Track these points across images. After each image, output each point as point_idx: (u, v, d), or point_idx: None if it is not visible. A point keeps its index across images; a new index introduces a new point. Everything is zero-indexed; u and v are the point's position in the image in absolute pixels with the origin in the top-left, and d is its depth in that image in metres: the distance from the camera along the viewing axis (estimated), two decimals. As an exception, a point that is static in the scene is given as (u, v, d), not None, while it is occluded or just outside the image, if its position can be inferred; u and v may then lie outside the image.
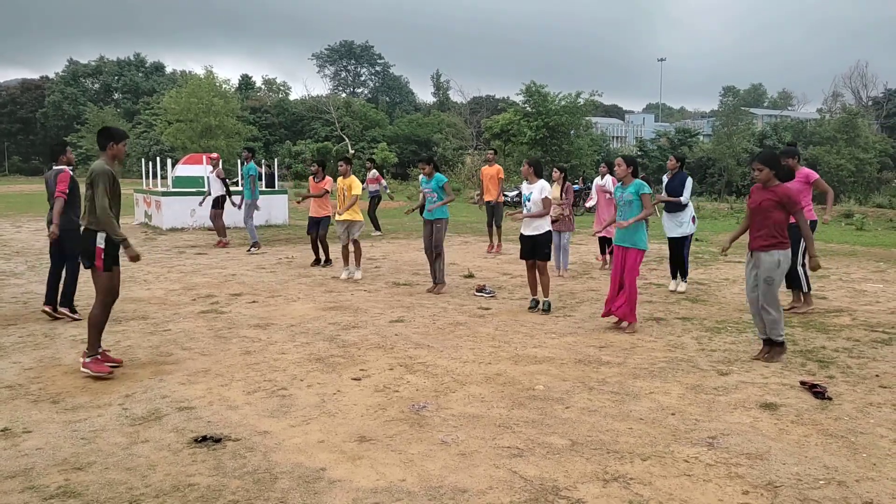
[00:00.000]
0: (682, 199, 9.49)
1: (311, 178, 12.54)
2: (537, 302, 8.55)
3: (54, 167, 7.66)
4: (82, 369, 5.71)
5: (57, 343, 6.80)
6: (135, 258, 5.90)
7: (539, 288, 8.51)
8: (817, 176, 8.30)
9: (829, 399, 5.21)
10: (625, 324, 7.48)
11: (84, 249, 5.80)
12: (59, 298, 7.78)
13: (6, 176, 72.27)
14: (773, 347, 6.25)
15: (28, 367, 5.97)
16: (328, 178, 12.26)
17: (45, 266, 11.49)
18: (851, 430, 4.61)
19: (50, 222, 7.55)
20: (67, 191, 7.39)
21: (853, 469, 4.03)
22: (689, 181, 9.74)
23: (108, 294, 5.85)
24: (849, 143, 46.19)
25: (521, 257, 8.62)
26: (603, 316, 7.68)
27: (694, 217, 9.83)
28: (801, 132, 52.93)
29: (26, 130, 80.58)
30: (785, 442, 4.44)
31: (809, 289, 8.40)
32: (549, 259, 8.45)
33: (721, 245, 6.85)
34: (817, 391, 5.32)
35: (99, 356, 5.81)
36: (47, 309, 7.76)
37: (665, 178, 9.93)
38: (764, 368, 6.03)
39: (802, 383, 5.55)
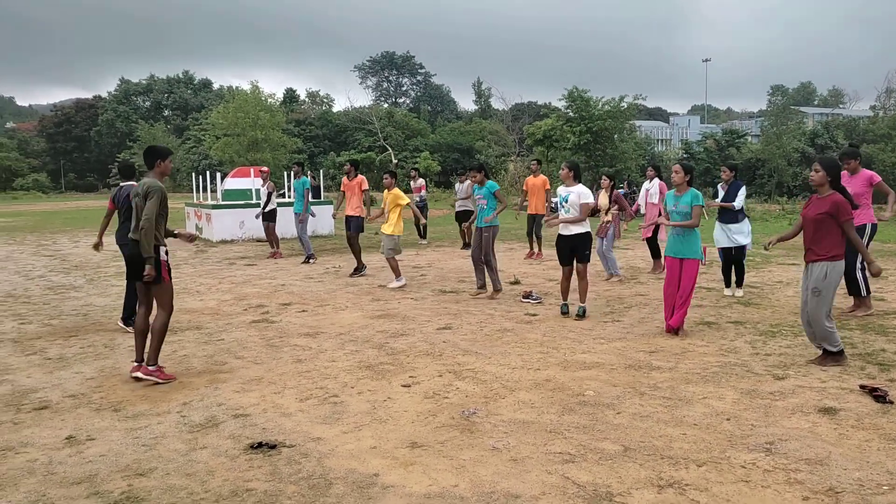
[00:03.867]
0: (734, 203, 9.34)
1: (344, 177, 12.70)
2: (568, 307, 8.47)
3: (122, 184, 7.98)
4: (143, 375, 5.93)
5: (116, 353, 7.01)
6: (190, 238, 6.40)
7: (576, 293, 8.41)
8: (880, 178, 8.21)
9: (891, 403, 5.05)
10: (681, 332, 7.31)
11: (138, 267, 5.99)
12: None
13: (63, 193, 74.83)
14: (829, 356, 6.08)
15: (90, 377, 6.18)
16: (361, 176, 12.41)
17: (103, 279, 11.89)
18: (916, 435, 4.47)
19: (120, 238, 7.86)
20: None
21: (919, 475, 3.91)
22: (742, 189, 9.56)
23: (171, 303, 6.10)
24: (904, 140, 44.70)
25: (561, 262, 8.54)
26: (667, 332, 7.40)
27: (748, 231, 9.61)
28: (853, 130, 51.46)
29: (81, 148, 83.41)
30: (845, 447, 4.32)
31: (868, 293, 8.17)
32: (588, 261, 8.35)
33: (769, 241, 6.71)
34: (878, 395, 5.16)
35: (162, 367, 6.03)
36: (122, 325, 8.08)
37: (721, 190, 9.72)
38: (822, 372, 5.89)
39: (862, 387, 5.39)
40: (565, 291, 8.54)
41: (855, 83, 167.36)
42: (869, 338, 7.03)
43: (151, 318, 6.11)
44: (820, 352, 6.19)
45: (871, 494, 3.68)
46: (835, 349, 6.04)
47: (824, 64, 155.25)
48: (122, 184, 8.06)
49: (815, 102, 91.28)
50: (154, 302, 6.12)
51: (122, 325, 8.06)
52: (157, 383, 5.88)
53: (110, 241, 8.45)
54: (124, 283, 8.16)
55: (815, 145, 46.86)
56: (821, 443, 4.39)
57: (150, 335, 6.03)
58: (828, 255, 5.94)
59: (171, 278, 6.12)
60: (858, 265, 7.87)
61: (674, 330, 7.30)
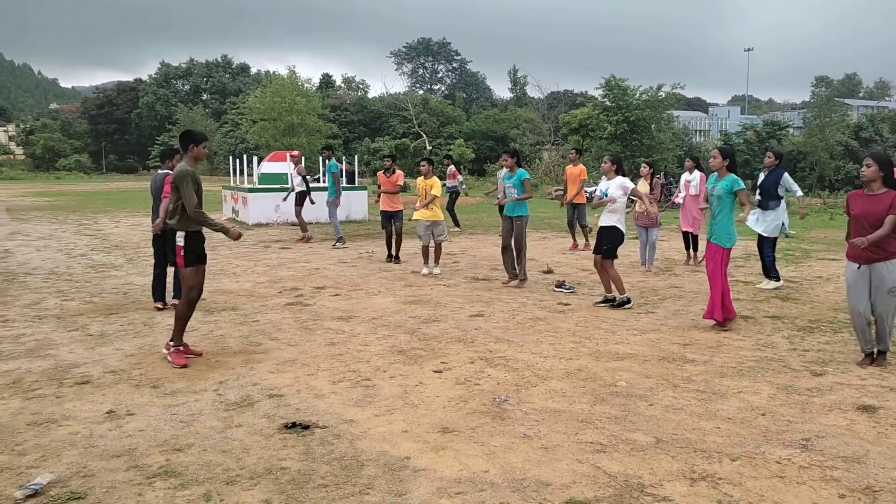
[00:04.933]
0: (799, 193, 9.36)
1: (380, 172, 12.67)
2: (607, 299, 8.42)
3: (160, 171, 8.17)
4: (165, 351, 6.11)
5: (156, 332, 7.16)
6: (237, 236, 6.25)
7: (612, 285, 8.37)
8: None
9: (934, 403, 4.94)
10: (726, 323, 7.18)
11: (169, 249, 6.13)
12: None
13: (104, 174, 76.33)
14: (879, 356, 5.92)
15: (130, 354, 6.32)
16: (399, 172, 12.41)
17: (143, 259, 12.12)
18: (958, 436, 4.37)
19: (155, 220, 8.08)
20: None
21: (961, 476, 3.82)
22: (787, 176, 9.38)
23: (191, 289, 6.10)
24: (954, 135, 43.35)
25: (593, 251, 8.55)
26: (704, 317, 7.31)
27: (784, 223, 9.44)
28: (900, 123, 49.99)
29: (122, 130, 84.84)
30: (884, 445, 4.24)
31: None
32: (609, 256, 8.24)
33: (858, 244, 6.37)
34: (920, 394, 5.05)
35: (181, 348, 6.11)
36: (158, 305, 8.24)
37: (762, 175, 9.60)
38: (861, 370, 5.77)
39: (903, 386, 5.28)
40: (605, 283, 8.48)
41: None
42: (911, 336, 6.86)
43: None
44: (864, 357, 6.00)
45: (911, 495, 3.61)
46: (889, 348, 5.89)
47: (871, 55, 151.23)
48: (159, 170, 8.23)
49: (861, 94, 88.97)
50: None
51: (170, 300, 8.21)
52: (169, 362, 5.96)
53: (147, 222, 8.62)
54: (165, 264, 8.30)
55: (859, 138, 45.64)
56: (858, 440, 4.32)
57: (174, 321, 6.13)
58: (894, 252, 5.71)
59: (198, 264, 6.09)
60: None
61: (718, 323, 7.15)
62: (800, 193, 9.43)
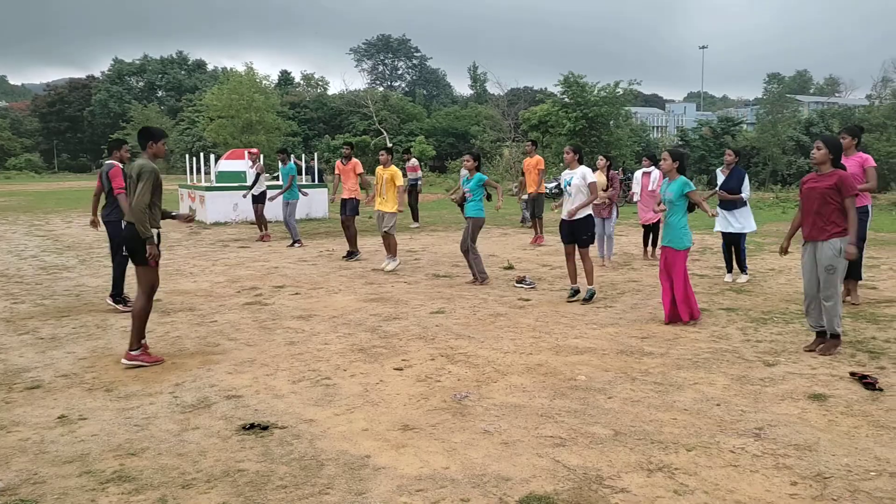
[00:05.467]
0: (743, 195, 9.38)
1: (338, 161, 12.67)
2: (576, 291, 8.50)
3: (106, 162, 8.00)
4: (127, 362, 5.85)
5: (109, 334, 7.00)
6: (154, 258, 5.88)
7: (581, 276, 8.46)
8: (874, 165, 7.96)
9: (881, 390, 5.09)
10: (692, 322, 7.24)
11: (132, 245, 5.95)
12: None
13: (56, 173, 74.34)
14: (827, 340, 6.08)
15: (82, 357, 6.17)
16: (356, 160, 12.43)
17: (96, 260, 11.85)
18: (904, 422, 4.51)
19: (106, 215, 7.97)
20: (125, 185, 7.63)
21: (906, 461, 3.94)
22: (747, 178, 9.57)
23: (151, 287, 6.01)
24: (900, 130, 44.69)
25: (562, 240, 8.61)
26: (667, 323, 7.30)
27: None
28: (849, 119, 51.38)
29: (74, 129, 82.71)
30: (834, 433, 4.36)
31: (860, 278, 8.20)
32: (589, 244, 8.39)
33: (780, 246, 6.63)
34: (868, 382, 5.20)
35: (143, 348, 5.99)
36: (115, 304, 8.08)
37: (720, 174, 9.75)
38: (812, 359, 5.92)
39: (852, 374, 5.43)
40: (572, 274, 8.56)
41: (851, 72, 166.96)
42: (860, 326, 7.07)
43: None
44: (815, 338, 6.17)
45: (859, 480, 3.72)
46: (837, 331, 6.04)
47: (821, 52, 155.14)
48: (106, 161, 8.08)
49: (811, 91, 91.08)
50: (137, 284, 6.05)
51: (110, 302, 8.07)
52: (142, 366, 5.82)
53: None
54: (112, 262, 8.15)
55: (809, 134, 46.78)
56: (810, 429, 4.43)
57: (132, 320, 5.95)
58: (839, 230, 5.88)
59: (156, 263, 5.96)
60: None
61: (684, 322, 7.23)
62: (745, 196, 9.50)
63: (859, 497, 3.53)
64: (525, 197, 17.84)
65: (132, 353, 5.89)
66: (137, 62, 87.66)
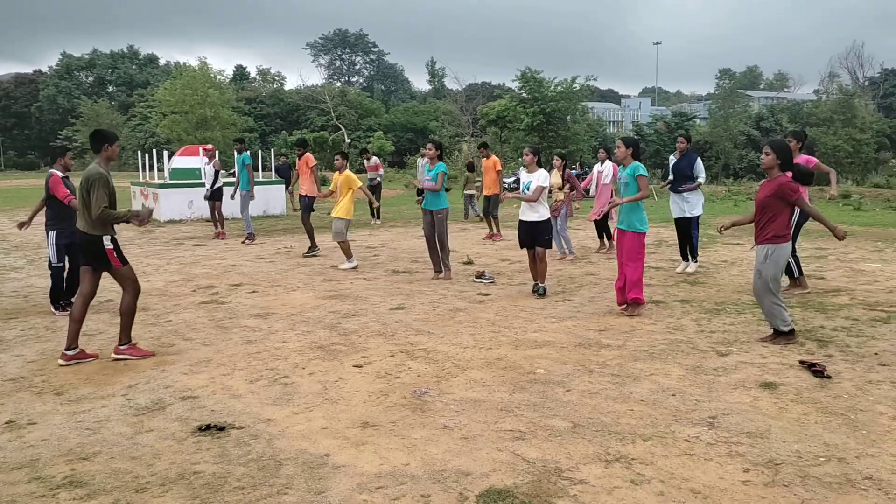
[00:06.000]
0: (699, 178, 9.61)
1: (296, 158, 12.73)
2: (538, 287, 8.56)
3: (50, 169, 7.86)
4: (116, 356, 5.95)
5: (59, 336, 6.80)
6: (148, 215, 6.11)
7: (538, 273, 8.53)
8: (816, 161, 8.21)
9: (829, 377, 5.24)
10: (630, 308, 7.40)
11: (94, 256, 5.89)
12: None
13: (2, 171, 72.05)
14: (779, 336, 6.23)
15: (31, 360, 6.00)
16: (308, 154, 12.53)
17: (44, 260, 11.50)
18: (851, 408, 4.64)
19: (46, 221, 7.79)
20: (69, 192, 7.54)
21: (853, 446, 4.06)
22: (700, 161, 9.79)
23: (134, 284, 6.04)
24: (846, 124, 46.06)
25: (521, 245, 8.64)
26: (619, 305, 7.50)
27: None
28: (797, 114, 52.81)
29: (21, 125, 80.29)
30: (785, 420, 4.47)
31: (801, 273, 8.43)
32: (549, 246, 8.45)
33: (722, 224, 6.82)
34: (816, 370, 5.35)
35: (135, 345, 6.12)
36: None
37: (672, 159, 9.99)
38: (763, 349, 6.06)
39: (801, 362, 5.58)
40: (534, 272, 8.61)
41: (799, 68, 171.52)
42: (808, 315, 7.26)
43: (90, 302, 5.99)
44: (771, 330, 6.33)
45: (809, 466, 3.82)
46: (786, 328, 6.18)
47: (771, 49, 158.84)
48: (50, 169, 7.88)
49: (761, 86, 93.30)
50: (121, 286, 6.07)
51: (52, 309, 7.85)
52: (130, 358, 5.91)
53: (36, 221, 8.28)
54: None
55: (760, 128, 47.99)
56: (761, 416, 4.53)
57: (120, 316, 6.03)
58: (769, 237, 6.06)
59: (125, 262, 6.00)
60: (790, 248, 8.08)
61: (627, 305, 7.38)
62: (701, 179, 9.76)
63: (809, 482, 3.63)
64: (469, 193, 18.04)
65: (121, 346, 5.99)
66: (87, 57, 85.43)
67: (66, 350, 5.90)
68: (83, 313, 5.96)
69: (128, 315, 6.01)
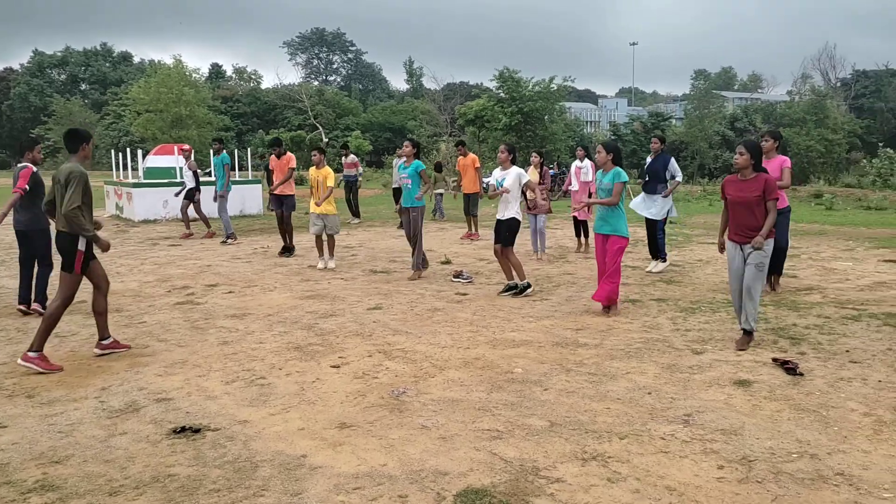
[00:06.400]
0: (677, 178, 9.71)
1: (272, 156, 12.58)
2: (509, 287, 8.58)
3: (19, 163, 7.62)
4: (23, 363, 5.61)
5: (30, 338, 6.66)
6: (106, 248, 5.95)
7: (513, 272, 8.54)
8: (790, 166, 8.22)
9: (801, 375, 5.31)
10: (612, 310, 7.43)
11: (64, 253, 5.77)
12: (32, 296, 7.75)
13: (-28, 170, 70.73)
14: (747, 336, 6.25)
15: (2, 362, 5.90)
16: (290, 154, 12.41)
17: (15, 261, 11.30)
18: (823, 405, 4.72)
19: (21, 223, 7.60)
20: (27, 187, 7.27)
21: (825, 442, 4.13)
22: (674, 161, 9.89)
23: (71, 294, 5.83)
24: (818, 125, 46.72)
25: (494, 244, 8.69)
26: (595, 299, 7.52)
27: (672, 208, 9.97)
28: (771, 114, 53.48)
29: (-9, 123, 78.89)
30: (758, 417, 4.52)
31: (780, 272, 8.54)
32: (509, 244, 8.45)
33: (718, 244, 6.72)
34: (789, 367, 5.42)
35: (113, 342, 6.14)
36: (22, 307, 7.70)
37: (649, 159, 10.09)
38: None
39: (774, 360, 5.65)
40: (506, 271, 8.64)
41: (773, 69, 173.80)
42: (781, 313, 7.36)
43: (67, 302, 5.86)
44: (743, 335, 6.33)
45: (782, 462, 3.87)
46: (752, 328, 6.23)
47: (745, 50, 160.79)
48: (19, 163, 7.67)
49: (736, 87, 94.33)
50: (60, 286, 5.83)
51: (38, 308, 7.69)
52: (40, 373, 5.56)
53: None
54: (30, 265, 7.77)
55: (734, 129, 48.49)
56: (735, 414, 4.59)
57: (41, 320, 5.84)
58: (771, 232, 6.10)
59: (83, 272, 5.82)
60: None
61: (605, 308, 7.43)
62: (679, 179, 9.88)
63: (782, 478, 3.68)
64: (439, 191, 18.11)
65: (30, 353, 5.65)
66: (59, 54, 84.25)
67: (100, 340, 6.08)
68: (104, 304, 5.99)
69: (49, 321, 5.72)
